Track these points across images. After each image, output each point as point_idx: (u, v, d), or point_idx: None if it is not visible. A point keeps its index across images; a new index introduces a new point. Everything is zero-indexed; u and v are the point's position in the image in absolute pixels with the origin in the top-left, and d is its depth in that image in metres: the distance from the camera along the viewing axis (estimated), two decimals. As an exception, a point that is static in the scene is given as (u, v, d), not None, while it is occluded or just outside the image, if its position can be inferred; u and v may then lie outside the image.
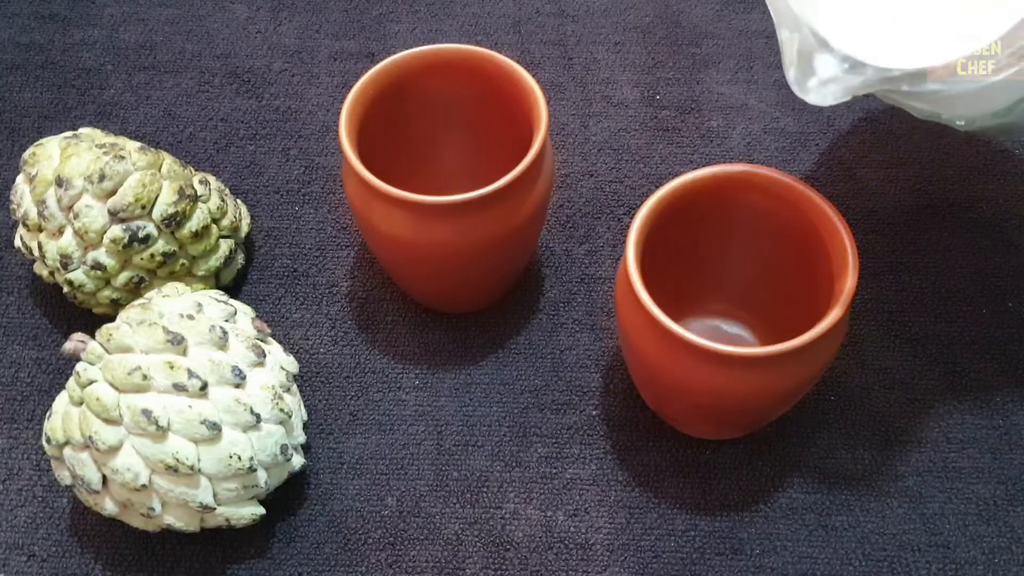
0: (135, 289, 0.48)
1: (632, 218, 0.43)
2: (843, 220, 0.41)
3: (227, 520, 0.42)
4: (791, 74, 0.38)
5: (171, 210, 0.47)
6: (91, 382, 0.40)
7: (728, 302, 0.49)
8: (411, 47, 0.47)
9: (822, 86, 0.37)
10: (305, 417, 0.46)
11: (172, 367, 0.40)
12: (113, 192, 0.46)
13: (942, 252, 0.53)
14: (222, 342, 0.42)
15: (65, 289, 0.48)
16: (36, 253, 0.48)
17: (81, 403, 0.41)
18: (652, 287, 0.40)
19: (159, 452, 0.40)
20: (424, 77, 0.48)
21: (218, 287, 0.51)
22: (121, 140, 0.49)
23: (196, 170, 0.51)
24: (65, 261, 0.47)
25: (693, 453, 0.47)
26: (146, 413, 0.39)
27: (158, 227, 0.47)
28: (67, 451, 0.41)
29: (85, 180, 0.46)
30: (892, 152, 0.57)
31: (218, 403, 0.41)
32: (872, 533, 0.45)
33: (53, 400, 0.43)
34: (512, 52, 0.61)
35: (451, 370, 0.50)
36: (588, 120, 0.59)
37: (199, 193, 0.48)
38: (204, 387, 0.40)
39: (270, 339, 0.45)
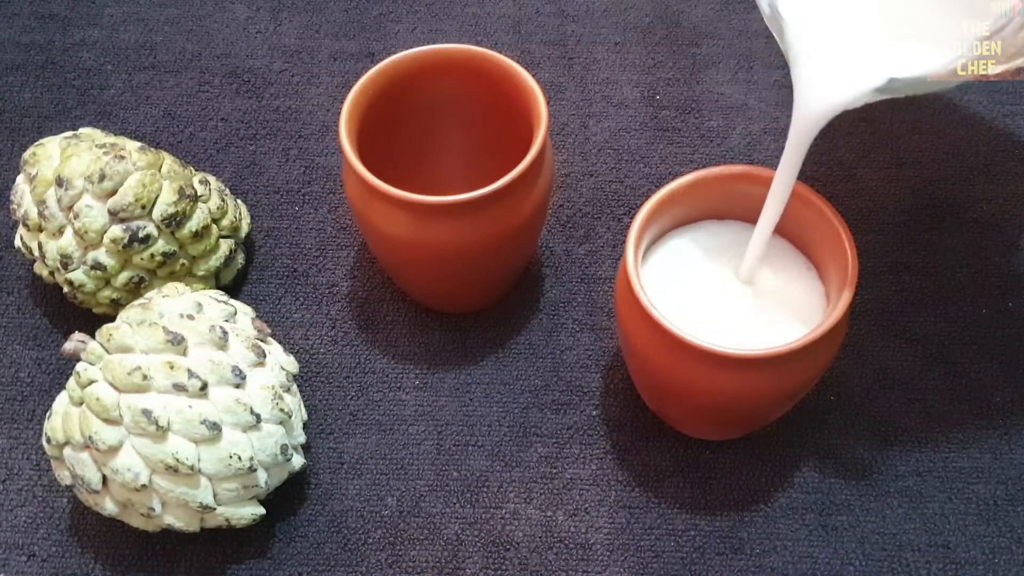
0: (135, 289, 0.48)
1: (632, 218, 0.43)
2: (843, 220, 0.41)
3: (227, 520, 0.42)
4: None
5: (171, 210, 0.47)
6: (91, 382, 0.40)
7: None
8: (411, 47, 0.47)
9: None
10: (305, 417, 0.46)
11: (172, 367, 0.40)
12: (113, 192, 0.46)
13: (942, 252, 0.53)
14: (222, 342, 0.42)
15: (65, 289, 0.48)
16: (36, 253, 0.48)
17: (81, 403, 0.41)
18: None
19: (159, 452, 0.40)
20: (424, 77, 0.48)
21: (218, 287, 0.51)
22: (121, 140, 0.49)
23: (196, 170, 0.51)
24: (65, 261, 0.47)
25: (693, 453, 0.47)
26: (146, 413, 0.39)
27: (158, 227, 0.47)
28: (67, 451, 0.41)
29: (85, 180, 0.46)
30: (892, 152, 0.56)
31: (218, 403, 0.41)
32: (872, 533, 0.45)
33: (53, 400, 0.43)
34: (512, 52, 0.61)
35: (451, 370, 0.50)
36: (588, 120, 0.59)
37: (199, 193, 0.48)
38: (204, 387, 0.40)
39: (270, 339, 0.45)
